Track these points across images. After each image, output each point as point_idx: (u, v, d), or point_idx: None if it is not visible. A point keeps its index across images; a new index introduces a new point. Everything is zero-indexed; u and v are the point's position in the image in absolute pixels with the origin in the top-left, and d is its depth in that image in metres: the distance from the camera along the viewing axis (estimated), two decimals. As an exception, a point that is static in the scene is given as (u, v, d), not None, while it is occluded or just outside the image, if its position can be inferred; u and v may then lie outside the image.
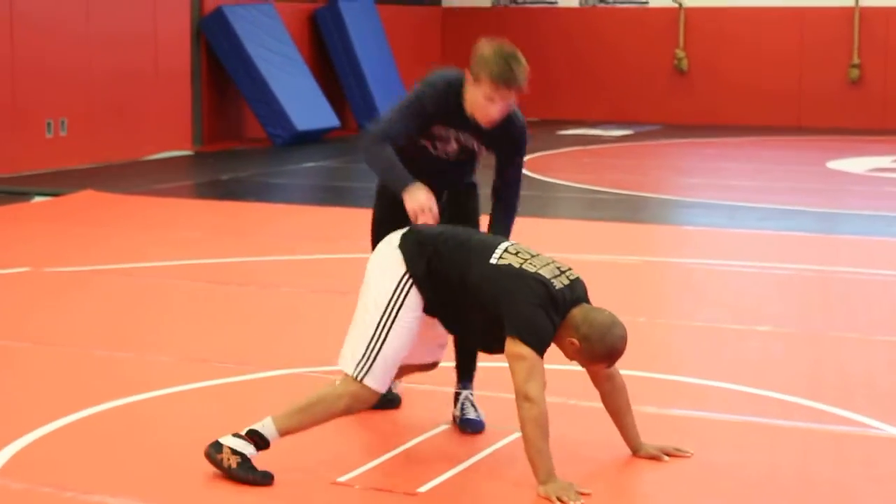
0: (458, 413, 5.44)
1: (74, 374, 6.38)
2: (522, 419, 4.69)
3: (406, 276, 4.92)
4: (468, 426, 5.37)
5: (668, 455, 5.08)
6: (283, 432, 4.88)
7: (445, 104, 5.19)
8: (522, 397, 4.69)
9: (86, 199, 12.86)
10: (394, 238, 5.05)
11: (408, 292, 4.92)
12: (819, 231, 11.18)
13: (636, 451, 5.09)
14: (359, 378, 4.89)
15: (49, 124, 15.63)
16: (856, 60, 22.68)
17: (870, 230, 11.20)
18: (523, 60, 5.13)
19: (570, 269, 4.93)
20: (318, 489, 4.75)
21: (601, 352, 4.79)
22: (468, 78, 5.15)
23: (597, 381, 5.06)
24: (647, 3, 24.09)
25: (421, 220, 5.03)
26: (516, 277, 4.79)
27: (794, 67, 23.06)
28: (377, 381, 4.90)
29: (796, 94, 23.09)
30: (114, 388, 6.02)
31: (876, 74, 22.69)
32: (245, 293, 8.39)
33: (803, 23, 23.02)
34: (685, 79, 23.83)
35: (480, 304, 4.84)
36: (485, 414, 5.45)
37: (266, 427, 4.86)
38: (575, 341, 4.78)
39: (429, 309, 4.96)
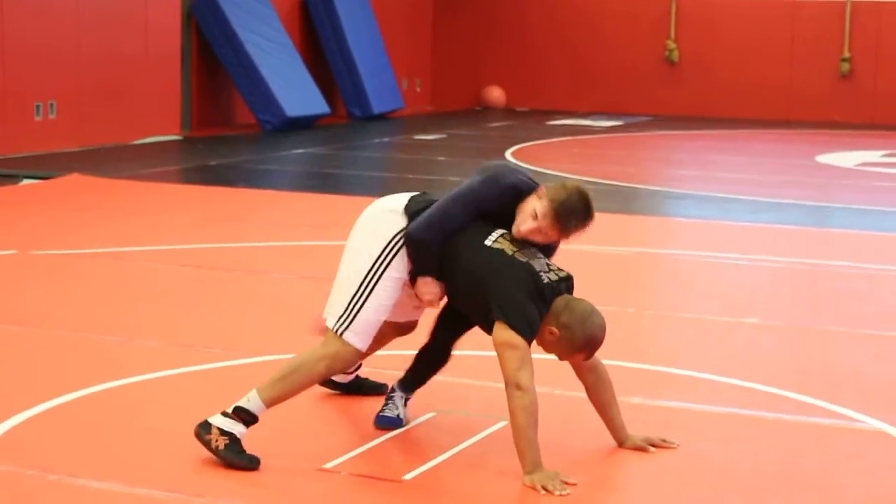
0: (383, 407, 5.39)
1: (61, 357, 6.37)
2: (513, 408, 4.69)
3: (397, 237, 4.99)
4: (384, 423, 5.30)
5: (654, 446, 5.07)
6: (269, 402, 4.89)
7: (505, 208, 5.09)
8: (514, 386, 4.68)
9: (74, 182, 12.82)
10: (393, 202, 5.09)
11: (396, 253, 5.00)
12: (808, 224, 11.19)
13: (622, 442, 5.08)
14: (339, 332, 4.96)
15: (38, 107, 15.58)
16: (846, 54, 22.71)
17: (859, 224, 11.22)
18: (588, 220, 4.99)
19: (559, 268, 4.93)
20: (303, 475, 4.74)
21: (581, 340, 4.77)
22: (539, 192, 5.01)
23: (580, 373, 5.04)
24: (639, -7, 24.09)
25: (425, 306, 5.12)
26: (507, 264, 4.80)
27: (785, 61, 23.09)
28: (357, 337, 4.96)
29: (786, 88, 23.13)
30: (100, 372, 6.00)
31: (866, 69, 22.72)
32: (233, 279, 8.38)
33: (794, 16, 23.05)
34: (676, 70, 23.84)
35: (468, 280, 4.88)
36: (401, 414, 5.35)
37: (252, 401, 4.87)
38: (555, 330, 4.77)
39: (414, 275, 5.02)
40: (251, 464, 4.77)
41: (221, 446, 4.80)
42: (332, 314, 5.02)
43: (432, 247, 4.96)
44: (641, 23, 24.01)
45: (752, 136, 20.05)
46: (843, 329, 7.31)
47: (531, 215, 4.90)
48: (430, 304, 5.10)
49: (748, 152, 17.70)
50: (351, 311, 4.97)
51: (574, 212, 4.90)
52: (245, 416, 4.86)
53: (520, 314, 4.72)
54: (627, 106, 23.83)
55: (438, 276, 5.01)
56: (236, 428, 4.83)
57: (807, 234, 10.71)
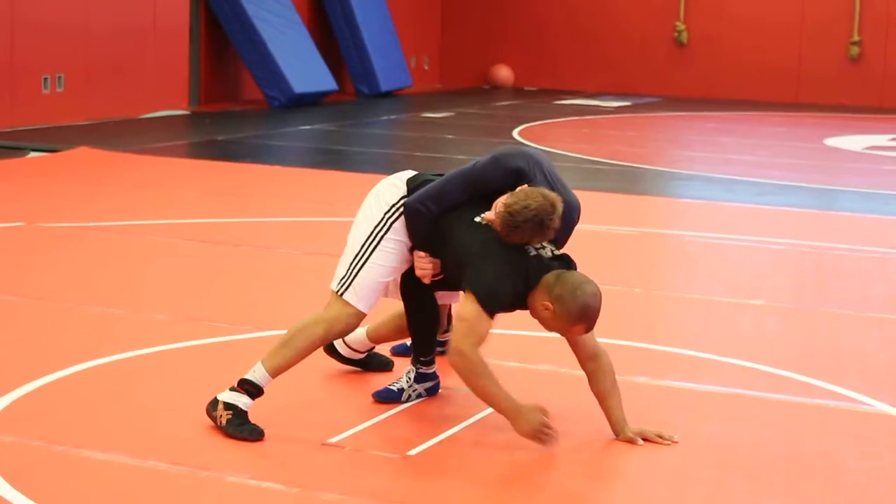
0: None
1: (66, 329, 6.38)
2: (458, 374, 4.80)
3: (398, 204, 5.11)
4: (381, 395, 5.32)
5: (647, 440, 4.97)
6: (274, 371, 4.94)
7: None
8: (453, 352, 4.77)
9: (81, 155, 12.82)
10: (397, 177, 5.24)
11: (396, 218, 5.11)
12: (816, 207, 11.18)
13: (618, 434, 5.01)
14: (339, 292, 5.05)
15: (46, 80, 15.57)
16: (856, 38, 22.64)
17: (866, 208, 11.20)
18: (536, 238, 4.86)
19: (556, 249, 4.95)
20: (307, 449, 4.75)
21: (574, 310, 4.76)
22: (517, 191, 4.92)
23: (581, 360, 5.02)
24: (649, -27, 24.02)
25: (419, 273, 5.16)
26: (491, 239, 4.86)
27: (794, 43, 23.03)
28: (356, 297, 5.04)
29: (796, 70, 23.06)
30: (106, 345, 6.01)
31: (876, 52, 22.66)
32: (240, 253, 8.38)
33: (805, -1, 22.97)
34: (685, 51, 23.79)
35: (455, 256, 4.96)
36: (403, 387, 5.36)
37: (256, 372, 4.93)
38: (548, 304, 4.78)
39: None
40: (252, 435, 4.80)
41: (224, 421, 4.83)
42: (335, 277, 5.13)
43: (426, 218, 5.05)
44: (651, 3, 23.94)
45: (761, 119, 20.02)
46: (849, 312, 7.31)
47: (495, 206, 4.91)
48: (423, 278, 5.14)
49: (756, 134, 17.68)
50: (351, 273, 5.08)
51: (518, 227, 4.82)
52: (249, 388, 4.90)
53: (484, 284, 4.78)
54: (636, 86, 23.78)
55: (432, 252, 5.07)
56: (240, 400, 4.87)
57: (813, 216, 10.69)
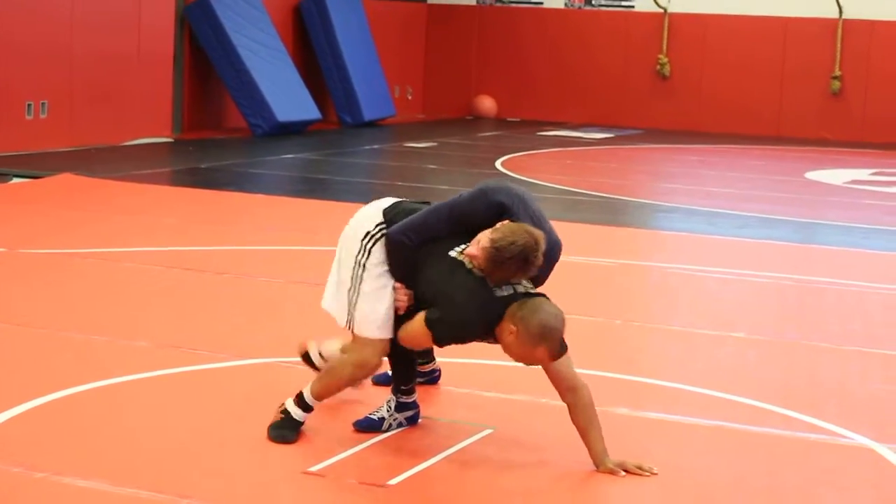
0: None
1: (48, 356, 6.36)
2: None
3: (374, 231, 5.16)
4: (361, 425, 5.34)
5: (627, 472, 4.96)
6: (316, 397, 5.21)
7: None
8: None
9: (64, 182, 12.81)
10: (372, 207, 5.29)
11: (373, 244, 5.16)
12: (796, 241, 11.22)
13: (598, 465, 5.00)
14: (352, 329, 5.20)
15: (29, 106, 15.57)
16: (837, 72, 22.77)
17: (846, 241, 11.25)
18: (521, 274, 4.92)
19: (530, 287, 4.97)
20: (288, 478, 4.75)
21: (535, 329, 4.78)
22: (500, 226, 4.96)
23: (560, 390, 5.02)
24: (633, 6, 24.14)
25: (395, 304, 5.18)
26: (462, 274, 4.91)
27: (776, 77, 23.15)
28: (368, 329, 5.13)
29: (777, 104, 23.18)
30: (87, 372, 6.00)
31: (857, 87, 22.78)
32: (221, 282, 8.38)
33: (786, 33, 23.11)
34: (667, 84, 23.89)
35: (428, 288, 5.01)
36: (384, 417, 5.39)
37: (306, 392, 5.22)
38: (512, 326, 4.82)
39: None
40: (278, 438, 5.10)
41: (274, 419, 5.18)
42: (340, 318, 5.23)
43: (407, 249, 5.07)
44: (634, 36, 24.05)
45: (743, 152, 20.10)
46: (829, 345, 7.34)
47: (476, 241, 4.92)
48: (398, 310, 5.16)
49: (738, 168, 17.75)
50: (351, 309, 5.16)
51: (503, 263, 4.85)
52: (301, 403, 5.20)
53: (442, 316, 4.89)
54: (618, 119, 23.86)
55: (407, 283, 5.12)
56: (295, 410, 5.17)
57: (794, 249, 10.74)
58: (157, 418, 5.37)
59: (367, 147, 18.89)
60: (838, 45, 22.76)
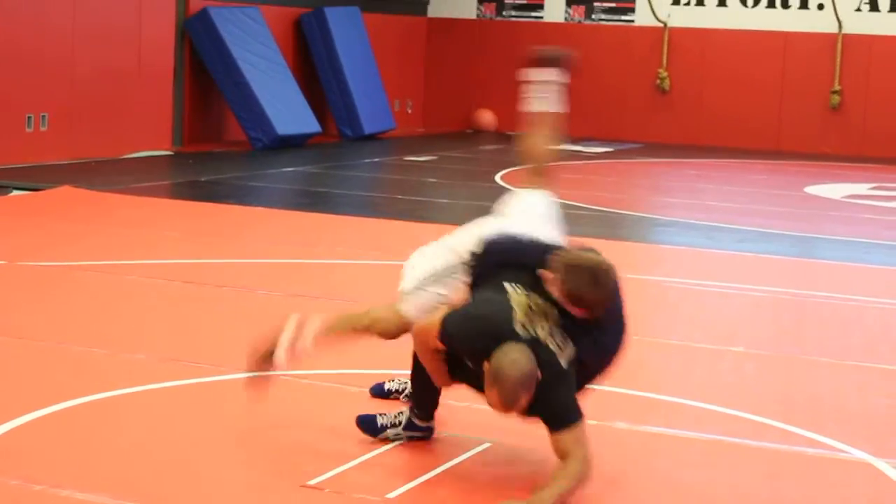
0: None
1: (47, 368, 6.37)
2: None
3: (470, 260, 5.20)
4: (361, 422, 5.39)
5: None
6: (317, 341, 5.32)
7: None
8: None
9: (64, 195, 12.82)
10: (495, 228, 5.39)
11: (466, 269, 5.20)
12: (795, 255, 11.23)
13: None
14: (403, 295, 5.24)
15: (30, 119, 15.59)
16: (836, 87, 22.80)
17: (845, 256, 11.26)
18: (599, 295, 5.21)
19: (565, 343, 4.88)
20: (287, 491, 4.75)
21: (491, 369, 4.67)
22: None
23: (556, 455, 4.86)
24: (633, 21, 24.18)
25: None
26: (498, 297, 4.89)
27: (776, 91, 23.17)
28: (415, 309, 5.18)
29: (777, 119, 23.20)
30: (86, 384, 6.00)
31: (856, 102, 22.80)
32: (221, 295, 8.39)
33: (786, 47, 23.14)
34: (667, 98, 23.91)
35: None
36: (386, 425, 5.40)
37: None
38: (486, 363, 4.74)
39: None
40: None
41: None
42: (409, 280, 5.29)
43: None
44: (633, 50, 24.07)
45: (742, 166, 20.12)
46: (828, 359, 7.34)
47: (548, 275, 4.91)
48: None
49: (737, 182, 17.76)
50: (422, 286, 5.23)
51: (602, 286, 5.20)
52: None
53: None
54: (618, 133, 23.87)
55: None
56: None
57: (793, 264, 10.74)
58: (156, 431, 5.38)
59: (367, 160, 18.91)
60: (838, 60, 22.79)
